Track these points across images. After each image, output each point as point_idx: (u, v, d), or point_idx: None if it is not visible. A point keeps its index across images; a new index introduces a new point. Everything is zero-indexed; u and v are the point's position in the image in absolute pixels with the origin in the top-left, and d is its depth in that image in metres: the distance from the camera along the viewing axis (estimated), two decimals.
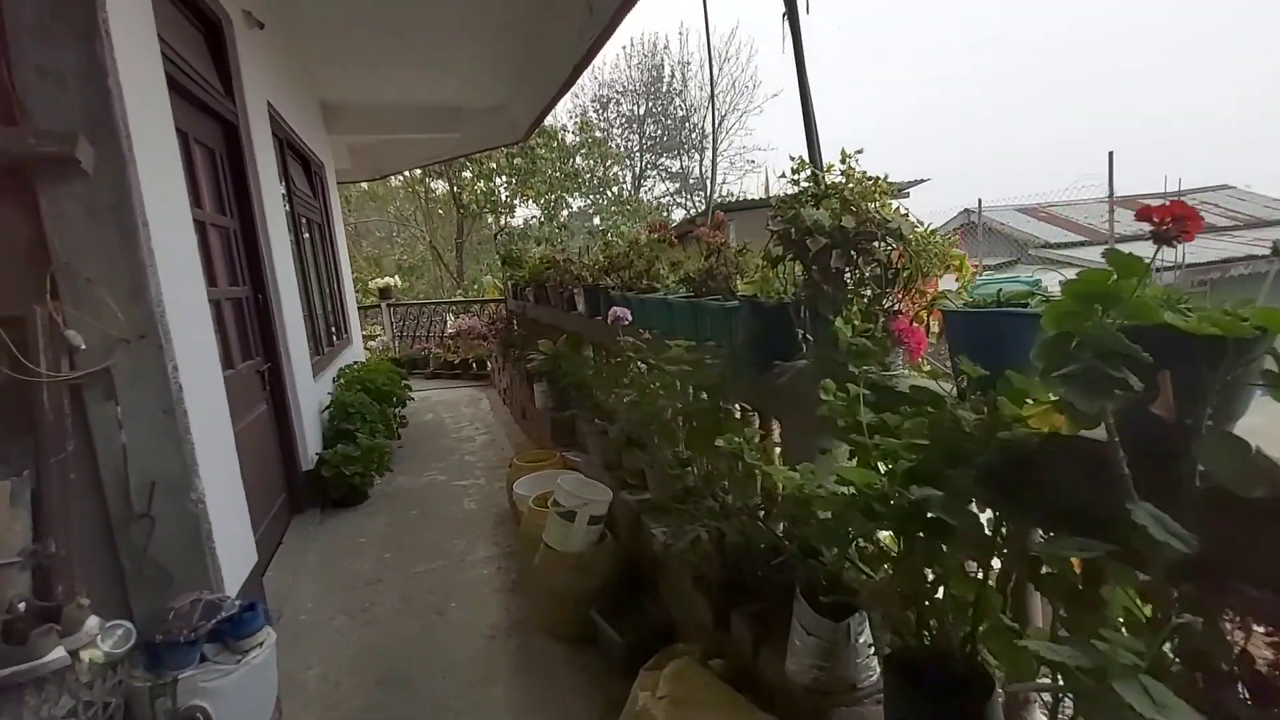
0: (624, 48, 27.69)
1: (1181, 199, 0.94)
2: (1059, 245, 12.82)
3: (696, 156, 29.58)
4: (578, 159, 20.08)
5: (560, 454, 4.05)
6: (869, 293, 1.70)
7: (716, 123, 27.78)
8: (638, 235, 3.51)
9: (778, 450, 2.35)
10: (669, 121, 29.04)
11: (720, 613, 2.03)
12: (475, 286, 17.40)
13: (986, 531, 1.17)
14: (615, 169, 24.46)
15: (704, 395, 2.32)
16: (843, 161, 1.81)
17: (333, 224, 7.14)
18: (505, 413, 6.74)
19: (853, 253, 1.66)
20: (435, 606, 3.01)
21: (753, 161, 28.97)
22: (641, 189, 28.11)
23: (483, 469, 5.03)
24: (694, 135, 29.27)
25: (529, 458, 4.06)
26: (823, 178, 1.88)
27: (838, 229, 1.65)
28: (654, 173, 30.13)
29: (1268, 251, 12.83)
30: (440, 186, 22.36)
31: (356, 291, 10.99)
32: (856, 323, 1.68)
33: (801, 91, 2.55)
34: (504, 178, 17.76)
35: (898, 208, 1.76)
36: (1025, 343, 1.36)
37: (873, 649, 1.58)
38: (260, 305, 3.96)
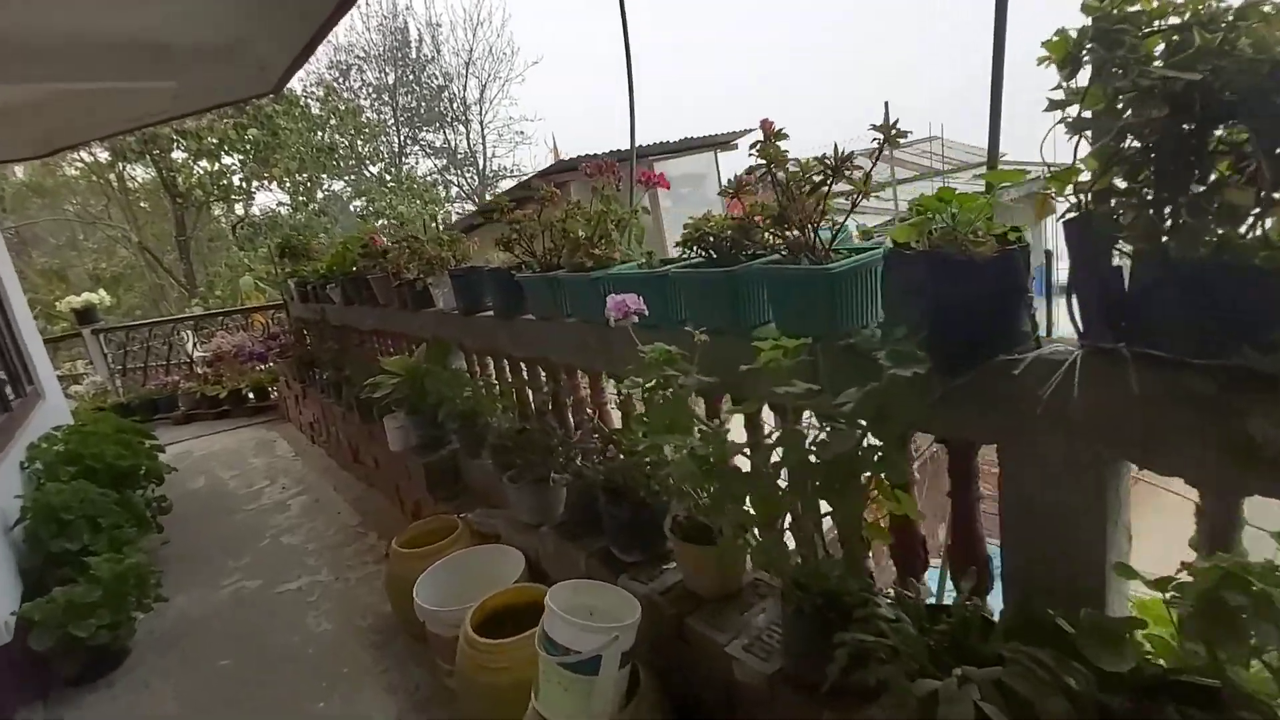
0: (360, 8, 24.39)
1: None
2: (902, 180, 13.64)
3: (461, 129, 27.56)
4: (328, 132, 17.09)
5: (459, 517, 2.76)
6: None
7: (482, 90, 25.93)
8: (550, 190, 2.35)
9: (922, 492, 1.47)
10: (424, 91, 26.57)
11: None
12: (219, 292, 13.94)
13: None
14: (372, 144, 21.55)
15: (836, 427, 1.33)
16: None
17: None
18: (320, 455, 4.99)
19: None
20: None
21: (522, 133, 27.73)
22: (404, 166, 25.40)
23: (318, 552, 3.45)
24: (455, 106, 27.16)
25: (415, 535, 2.70)
26: None
27: None
28: (415, 148, 27.52)
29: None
30: (141, 172, 17.70)
31: (37, 319, 7.92)
32: None
33: None
34: (237, 155, 14.34)
35: None
36: None
37: None
38: None
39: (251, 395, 6.55)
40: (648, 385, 1.50)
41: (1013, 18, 1.41)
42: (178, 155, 15.17)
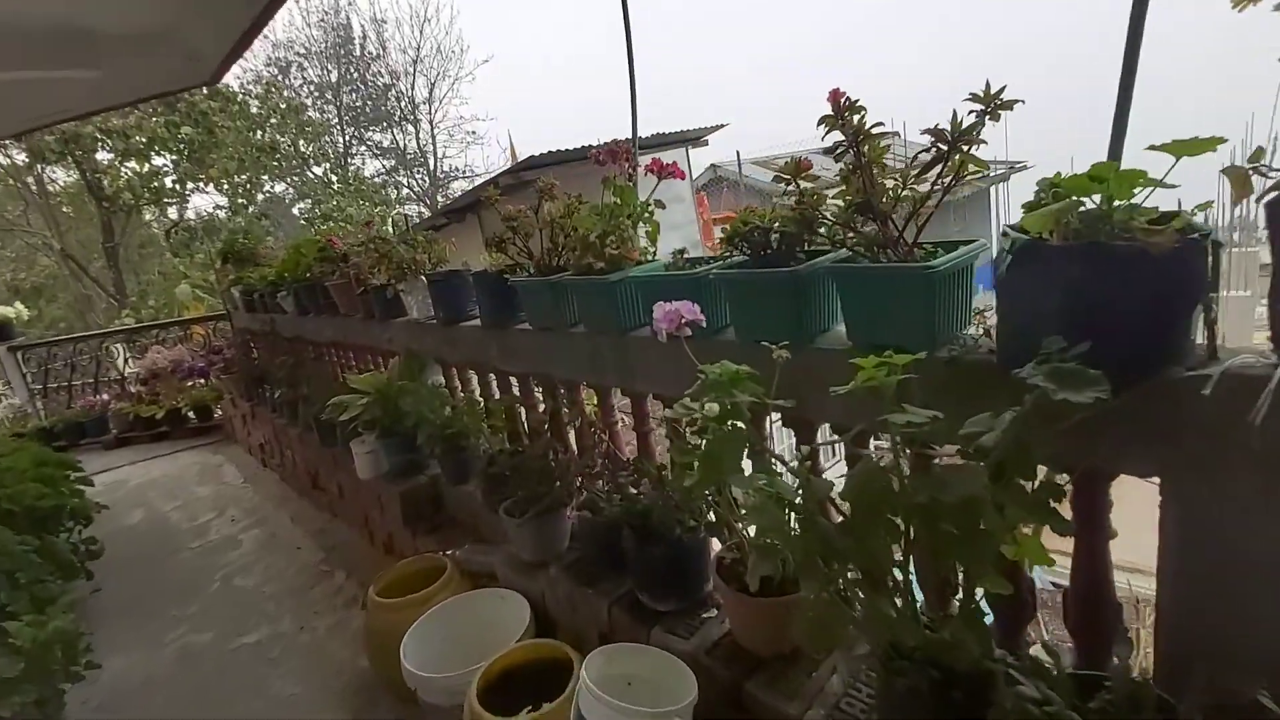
0: (299, 3, 23.41)
1: None
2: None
3: (410, 129, 26.83)
4: (269, 130, 16.22)
5: (446, 555, 2.43)
6: None
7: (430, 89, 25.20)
8: (581, 198, 2.05)
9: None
10: (369, 90, 25.78)
11: None
12: (153, 302, 13.02)
13: None
14: (316, 144, 20.62)
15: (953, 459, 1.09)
16: None
17: None
18: (274, 481, 4.53)
19: None
20: None
21: (473, 132, 27.09)
22: (350, 166, 24.50)
23: (278, 597, 3.05)
24: (403, 105, 26.43)
25: (396, 580, 2.35)
26: None
27: None
28: (362, 148, 26.68)
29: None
30: (63, 175, 16.51)
31: None
32: None
33: None
34: (169, 156, 13.43)
35: None
36: None
37: None
38: None
39: (193, 415, 5.98)
40: (706, 411, 1.22)
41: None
42: (103, 156, 14.15)
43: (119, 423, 6.03)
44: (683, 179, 2.07)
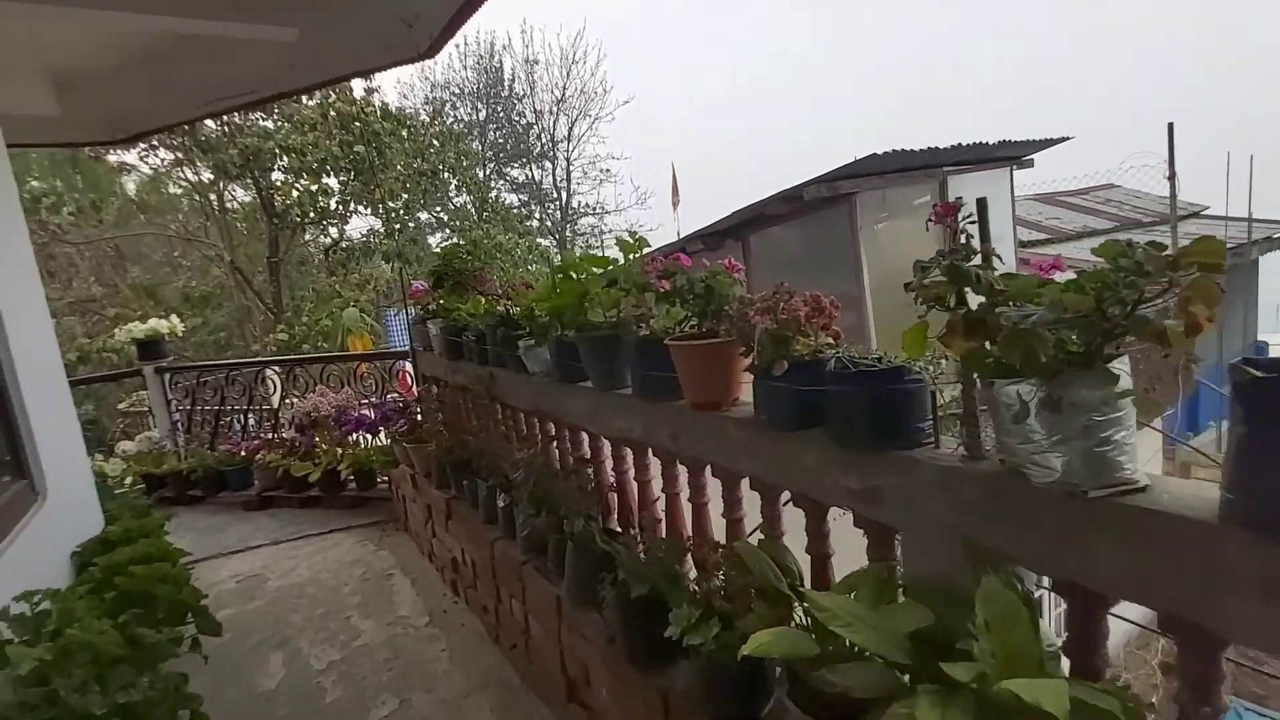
0: (458, 46, 23.88)
1: None
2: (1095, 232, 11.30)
3: (548, 166, 26.66)
4: (431, 158, 15.68)
5: None
6: None
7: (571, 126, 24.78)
8: None
9: None
10: (513, 128, 25.88)
11: None
12: (306, 318, 12.31)
13: None
14: (464, 174, 20.17)
15: None
16: None
17: None
18: (477, 638, 2.79)
19: None
20: None
21: (607, 170, 26.54)
22: (489, 198, 24.43)
23: None
24: (544, 142, 26.32)
25: None
26: None
27: None
28: (500, 182, 26.74)
29: None
30: (241, 194, 16.75)
31: (108, 353, 6.20)
32: None
33: None
34: (342, 175, 12.92)
35: None
36: None
37: None
38: None
39: (353, 479, 4.49)
40: None
41: None
42: (277, 176, 14.04)
43: (264, 477, 4.63)
44: None
